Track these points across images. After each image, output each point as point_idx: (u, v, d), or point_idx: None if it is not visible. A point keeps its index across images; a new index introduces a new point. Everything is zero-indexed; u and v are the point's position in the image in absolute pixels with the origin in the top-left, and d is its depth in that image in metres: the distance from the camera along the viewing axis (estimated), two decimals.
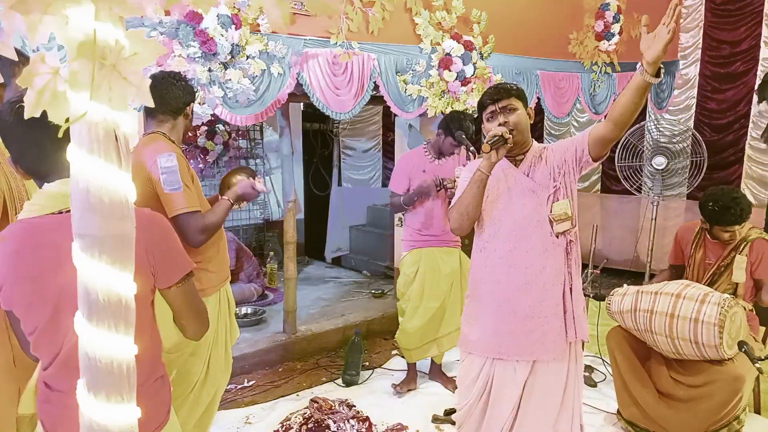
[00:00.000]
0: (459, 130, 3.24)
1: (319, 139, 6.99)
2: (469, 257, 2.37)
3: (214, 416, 2.49)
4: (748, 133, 5.63)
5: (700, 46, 5.85)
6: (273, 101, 3.17)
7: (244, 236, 6.12)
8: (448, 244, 3.48)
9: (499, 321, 2.19)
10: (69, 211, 0.79)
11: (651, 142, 5.10)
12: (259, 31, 3.04)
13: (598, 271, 3.82)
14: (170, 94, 2.20)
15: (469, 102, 4.01)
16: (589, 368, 3.87)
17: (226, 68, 2.92)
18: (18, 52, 1.71)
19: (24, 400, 1.42)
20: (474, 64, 3.95)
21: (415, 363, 3.67)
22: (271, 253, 5.70)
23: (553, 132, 6.95)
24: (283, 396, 3.59)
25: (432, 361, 3.74)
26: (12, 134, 1.26)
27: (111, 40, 0.66)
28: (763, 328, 3.20)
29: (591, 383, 3.71)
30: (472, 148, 3.15)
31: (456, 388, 2.42)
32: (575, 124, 6.73)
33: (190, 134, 5.24)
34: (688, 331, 2.70)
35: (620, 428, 3.15)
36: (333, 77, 3.43)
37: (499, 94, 2.15)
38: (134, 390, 0.79)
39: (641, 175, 5.21)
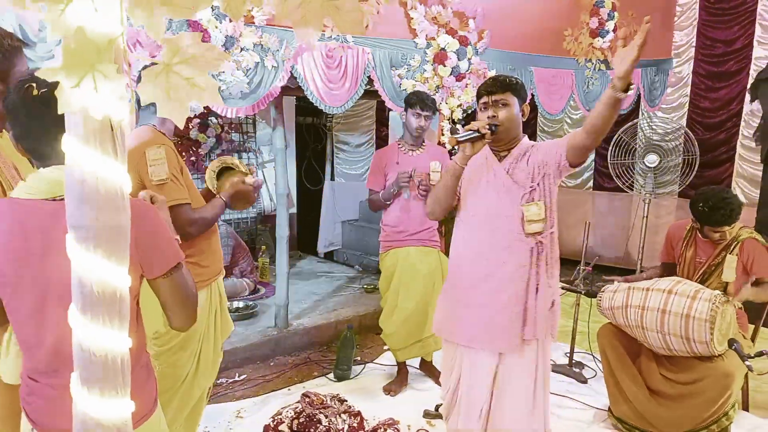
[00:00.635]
0: (410, 98, 3.28)
1: (312, 133, 6.97)
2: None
3: (203, 410, 2.49)
4: (740, 132, 5.66)
5: (694, 44, 5.87)
6: (266, 94, 3.15)
7: (236, 230, 6.09)
8: (426, 243, 3.42)
9: (459, 307, 2.29)
10: (63, 198, 0.78)
11: (643, 140, 5.12)
12: (254, 23, 3.02)
13: (590, 269, 3.83)
14: None
15: (464, 98, 4.01)
16: (579, 365, 3.89)
17: None
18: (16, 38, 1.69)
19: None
20: (469, 59, 3.94)
21: (404, 361, 3.66)
22: (263, 248, 5.68)
23: (546, 129, 6.96)
24: (274, 390, 3.59)
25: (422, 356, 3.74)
26: (19, 113, 1.25)
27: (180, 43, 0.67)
28: (752, 326, 3.23)
29: (581, 379, 3.73)
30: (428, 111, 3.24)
31: None
32: (568, 121, 6.75)
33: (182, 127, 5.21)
34: (680, 327, 2.71)
35: (610, 425, 3.17)
36: (327, 70, 3.42)
37: (494, 87, 2.18)
38: (128, 384, 0.78)
39: (633, 173, 5.23)
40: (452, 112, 4.03)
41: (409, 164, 3.30)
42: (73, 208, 0.72)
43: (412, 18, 3.75)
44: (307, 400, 3.12)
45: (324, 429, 2.88)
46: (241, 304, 4.62)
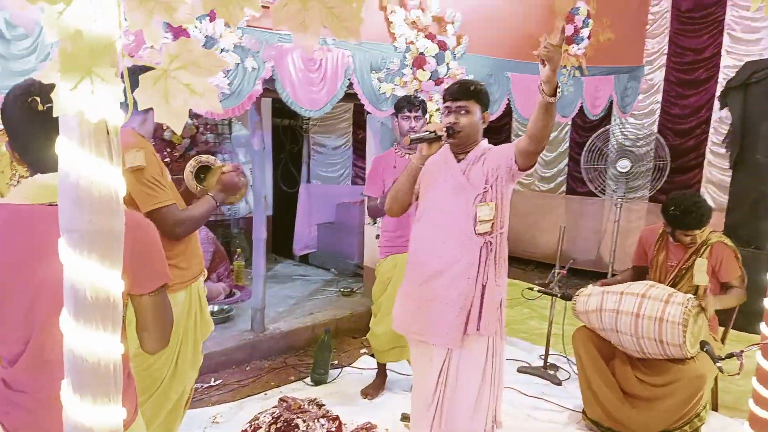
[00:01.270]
0: (399, 103, 3.30)
1: (289, 135, 6.93)
2: None
3: (182, 416, 2.46)
4: (709, 138, 5.81)
5: (666, 52, 6.00)
6: (249, 95, 3.13)
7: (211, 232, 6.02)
8: None
9: (411, 300, 2.37)
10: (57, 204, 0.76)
11: (615, 146, 5.22)
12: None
13: (565, 272, 3.88)
14: None
15: (441, 103, 4.03)
16: (554, 367, 3.93)
17: None
18: None
19: None
20: (447, 64, 3.97)
21: (385, 364, 3.65)
22: (239, 250, 5.62)
23: (521, 133, 7.04)
24: (250, 395, 3.55)
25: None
26: (20, 126, 1.22)
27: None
28: (722, 329, 3.30)
29: (556, 381, 3.78)
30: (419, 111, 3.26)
31: None
32: None
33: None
34: (653, 331, 2.77)
35: (584, 427, 3.21)
36: (307, 73, 3.40)
37: (459, 94, 2.28)
38: (120, 391, 0.77)
39: (606, 178, 5.32)
40: (431, 116, 4.05)
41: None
42: (67, 212, 0.70)
43: (392, 22, 3.76)
44: (284, 404, 3.10)
45: None
46: (216, 308, 4.56)
